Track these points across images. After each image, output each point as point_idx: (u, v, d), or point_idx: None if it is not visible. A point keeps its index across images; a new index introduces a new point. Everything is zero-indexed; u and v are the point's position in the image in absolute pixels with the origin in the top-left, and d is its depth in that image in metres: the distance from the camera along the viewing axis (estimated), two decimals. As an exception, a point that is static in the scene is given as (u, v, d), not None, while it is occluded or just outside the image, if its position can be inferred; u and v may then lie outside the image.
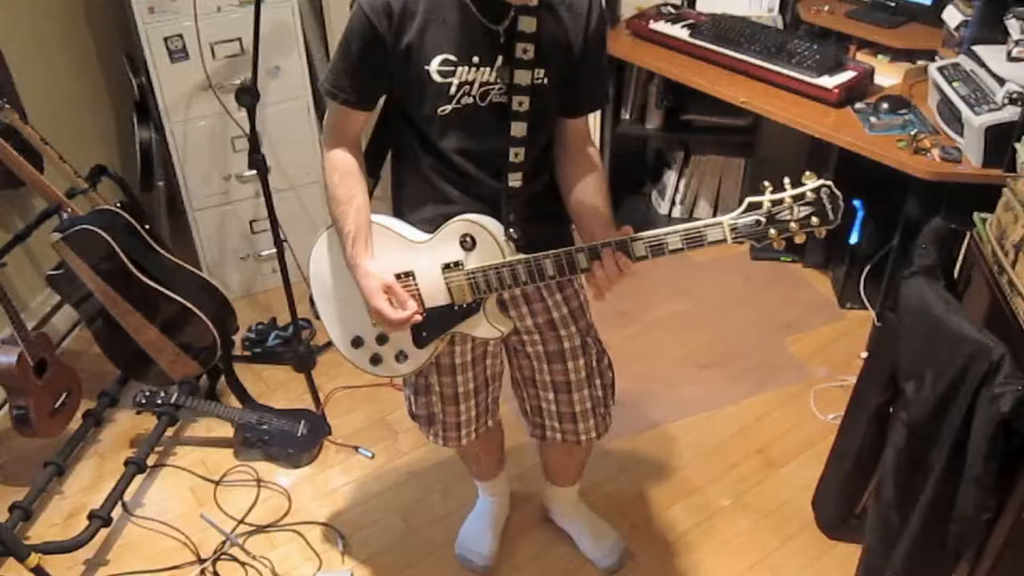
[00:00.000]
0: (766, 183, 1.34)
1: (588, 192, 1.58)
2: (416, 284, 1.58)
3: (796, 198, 1.32)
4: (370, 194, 1.64)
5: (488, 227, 1.51)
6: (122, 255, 2.31)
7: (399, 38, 1.43)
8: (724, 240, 1.36)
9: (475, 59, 1.44)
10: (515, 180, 1.53)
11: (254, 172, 2.47)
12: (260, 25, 2.30)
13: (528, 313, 1.70)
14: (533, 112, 1.49)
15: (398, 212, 1.65)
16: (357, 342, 1.70)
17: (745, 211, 1.34)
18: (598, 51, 1.54)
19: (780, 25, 3.05)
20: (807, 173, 1.32)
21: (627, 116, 3.34)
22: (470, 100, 1.47)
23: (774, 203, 1.33)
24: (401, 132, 1.58)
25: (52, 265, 2.33)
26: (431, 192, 1.57)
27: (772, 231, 1.34)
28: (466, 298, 1.57)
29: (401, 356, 1.66)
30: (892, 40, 2.74)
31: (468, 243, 1.52)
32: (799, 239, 1.35)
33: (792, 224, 1.33)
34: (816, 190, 1.31)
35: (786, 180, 1.33)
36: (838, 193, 1.31)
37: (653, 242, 1.41)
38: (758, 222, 1.34)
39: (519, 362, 1.82)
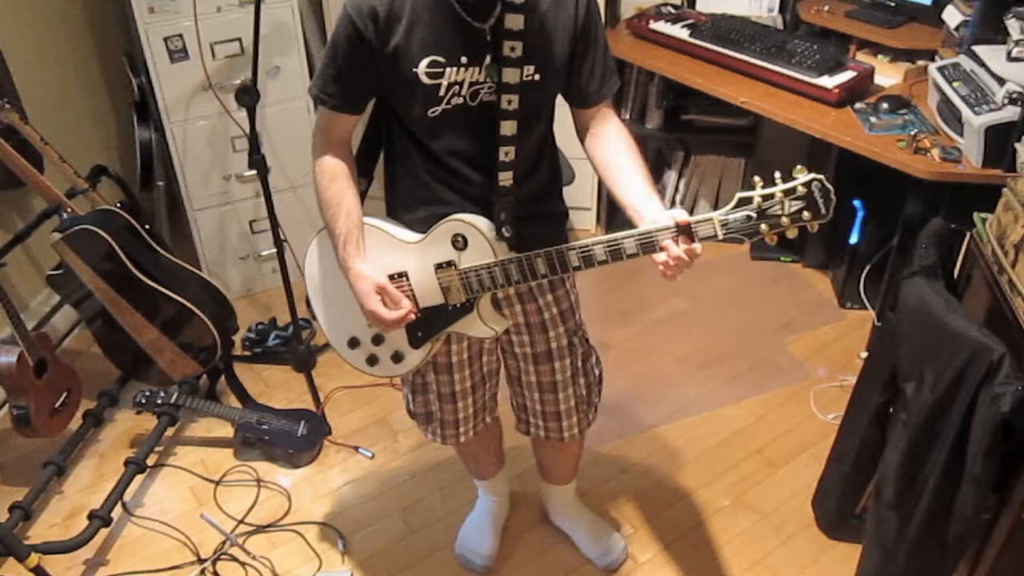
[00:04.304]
0: (756, 178, 1.32)
1: (621, 175, 1.54)
2: (410, 284, 1.58)
3: (787, 192, 1.30)
4: (364, 194, 1.65)
5: (479, 227, 1.51)
6: (122, 255, 2.31)
7: (386, 41, 1.42)
8: (715, 236, 1.35)
9: (463, 59, 1.44)
10: (505, 179, 1.53)
11: (254, 172, 2.47)
12: (260, 25, 2.31)
13: (520, 312, 1.71)
14: (523, 110, 1.48)
15: (391, 212, 1.65)
16: (353, 343, 1.70)
17: (736, 207, 1.33)
18: (594, 37, 1.53)
19: (780, 25, 3.05)
20: (798, 167, 1.30)
21: (627, 116, 3.33)
22: (460, 100, 1.47)
23: (765, 198, 1.31)
24: (393, 133, 1.58)
25: (52, 265, 2.33)
26: (424, 193, 1.57)
27: (763, 226, 1.32)
28: (460, 297, 1.57)
29: (397, 356, 1.67)
30: (892, 40, 2.74)
31: (460, 243, 1.53)
32: (791, 234, 1.33)
33: (783, 219, 1.31)
34: (807, 184, 1.29)
35: (777, 174, 1.31)
36: (830, 187, 1.29)
37: (643, 239, 1.40)
38: (749, 217, 1.32)
39: (507, 361, 1.83)
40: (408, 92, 1.46)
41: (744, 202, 1.32)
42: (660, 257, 1.39)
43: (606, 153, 1.58)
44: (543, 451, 2.09)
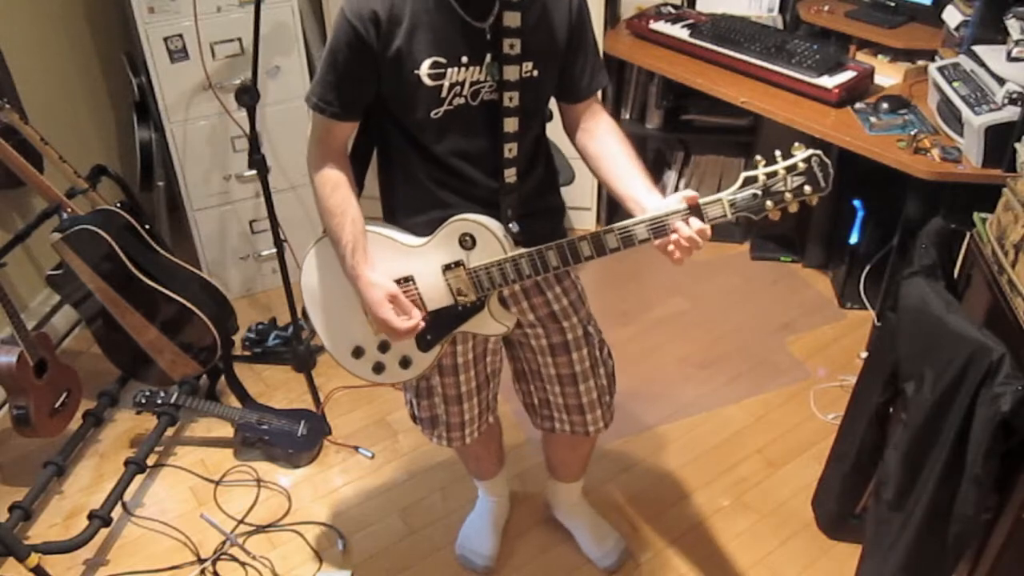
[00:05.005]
0: (759, 157, 1.36)
1: (618, 168, 1.55)
2: (417, 288, 1.58)
3: (789, 169, 1.34)
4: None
5: (487, 225, 1.52)
6: (122, 255, 2.31)
7: (388, 44, 1.42)
8: (725, 216, 1.38)
9: (464, 59, 1.44)
10: (510, 176, 1.54)
11: (254, 172, 2.47)
12: (260, 25, 2.31)
13: (529, 308, 1.70)
14: (523, 106, 1.49)
15: (389, 218, 1.65)
16: (358, 352, 1.69)
17: (742, 186, 1.36)
18: (585, 32, 1.54)
19: (780, 25, 3.05)
20: (796, 144, 1.34)
21: (627, 116, 3.34)
22: (462, 101, 1.47)
23: (769, 176, 1.35)
24: (389, 139, 1.57)
25: (52, 265, 2.33)
26: (426, 196, 1.57)
27: (768, 203, 1.36)
28: (470, 297, 1.57)
29: (405, 362, 1.67)
30: (892, 40, 2.74)
31: (468, 242, 1.52)
32: (793, 208, 1.37)
33: (787, 194, 1.35)
34: (807, 159, 1.33)
35: (777, 153, 1.35)
36: (827, 161, 1.34)
37: (655, 224, 1.40)
38: (755, 195, 1.36)
39: (524, 355, 1.82)
40: (409, 95, 1.46)
41: (750, 181, 1.36)
42: (672, 238, 1.39)
43: (599, 147, 1.59)
44: (555, 448, 2.09)
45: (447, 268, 1.55)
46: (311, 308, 1.72)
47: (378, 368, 1.69)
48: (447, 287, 1.56)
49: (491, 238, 1.51)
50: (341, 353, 1.71)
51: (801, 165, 1.33)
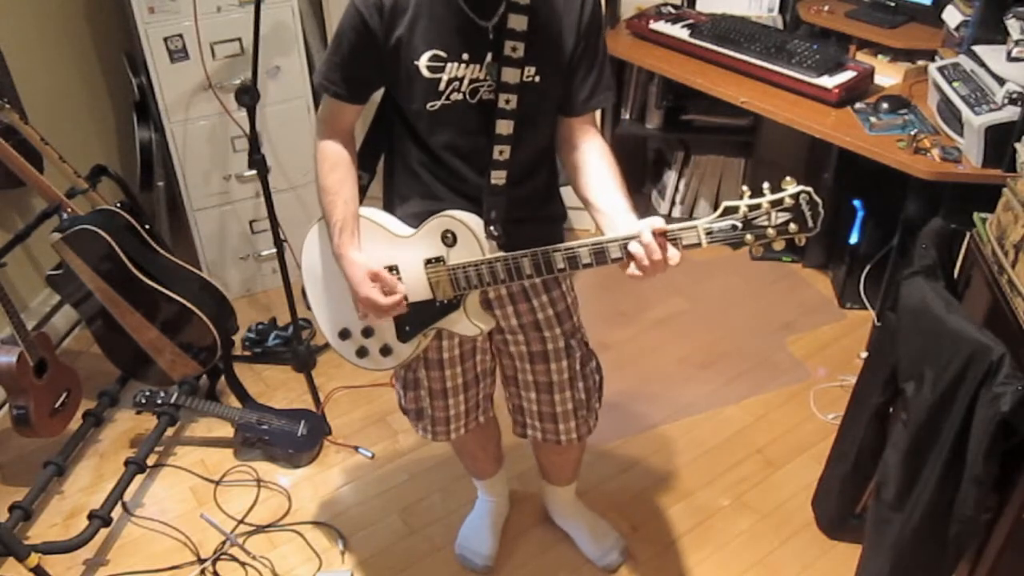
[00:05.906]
0: (745, 187, 1.32)
1: (600, 182, 1.55)
2: (400, 278, 1.59)
3: (774, 204, 1.29)
4: (365, 188, 1.65)
5: (469, 224, 1.52)
6: (122, 255, 2.31)
7: (390, 33, 1.44)
8: (699, 244, 1.34)
9: (464, 55, 1.45)
10: (498, 178, 1.53)
11: (254, 172, 2.47)
12: (260, 25, 2.31)
13: (513, 313, 1.70)
14: (522, 110, 1.48)
15: (389, 205, 1.66)
16: (344, 334, 1.72)
17: (721, 215, 1.32)
18: (594, 46, 1.52)
19: (780, 25, 3.05)
20: (787, 179, 1.29)
21: (627, 116, 3.34)
22: (460, 96, 1.47)
23: (751, 208, 1.30)
24: (394, 126, 1.59)
25: (52, 265, 2.33)
26: (419, 187, 1.58)
27: (749, 236, 1.31)
28: (447, 294, 1.57)
29: (386, 350, 1.68)
30: (892, 40, 2.74)
31: (449, 239, 1.53)
32: (778, 246, 1.33)
33: (769, 230, 1.30)
34: (795, 196, 1.28)
35: (765, 185, 1.30)
36: (818, 200, 1.28)
37: (628, 243, 1.38)
38: (734, 227, 1.32)
39: (502, 361, 1.83)
40: (409, 85, 1.47)
41: (730, 211, 1.31)
42: (635, 249, 1.36)
43: (582, 160, 1.57)
44: (542, 453, 2.09)
45: (429, 262, 1.56)
46: (308, 286, 1.74)
47: (361, 352, 1.71)
48: (427, 281, 1.57)
49: (471, 238, 1.52)
50: (330, 332, 1.74)
51: (788, 201, 1.28)
